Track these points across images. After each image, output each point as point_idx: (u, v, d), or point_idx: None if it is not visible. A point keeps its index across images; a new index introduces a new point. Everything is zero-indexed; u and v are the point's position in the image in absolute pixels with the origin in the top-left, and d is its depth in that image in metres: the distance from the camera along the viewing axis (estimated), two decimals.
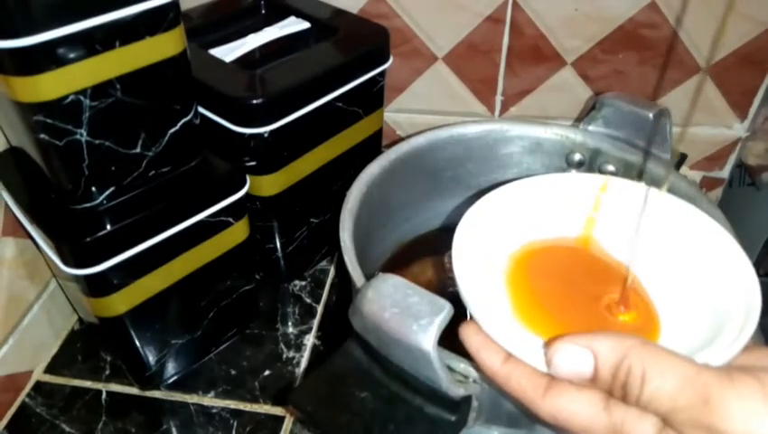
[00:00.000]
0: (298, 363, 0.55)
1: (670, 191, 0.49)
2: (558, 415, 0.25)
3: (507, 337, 0.28)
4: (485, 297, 0.31)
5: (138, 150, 0.42)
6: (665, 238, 0.35)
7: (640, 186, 0.35)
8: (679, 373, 0.23)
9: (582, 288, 0.34)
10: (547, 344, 0.26)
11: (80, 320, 0.59)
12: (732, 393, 0.22)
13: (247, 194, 0.48)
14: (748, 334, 0.26)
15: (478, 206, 0.35)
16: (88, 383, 0.54)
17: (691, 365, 0.23)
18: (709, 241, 0.33)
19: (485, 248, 0.33)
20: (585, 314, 0.32)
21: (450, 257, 0.32)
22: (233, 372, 0.54)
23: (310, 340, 0.57)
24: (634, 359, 0.23)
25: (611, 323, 0.32)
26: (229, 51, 0.54)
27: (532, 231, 0.36)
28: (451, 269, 0.31)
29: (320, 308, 0.60)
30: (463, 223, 0.33)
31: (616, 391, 0.24)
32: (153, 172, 0.44)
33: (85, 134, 0.39)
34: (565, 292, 0.33)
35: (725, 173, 0.72)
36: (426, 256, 0.57)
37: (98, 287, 0.43)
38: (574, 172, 0.37)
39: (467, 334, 0.29)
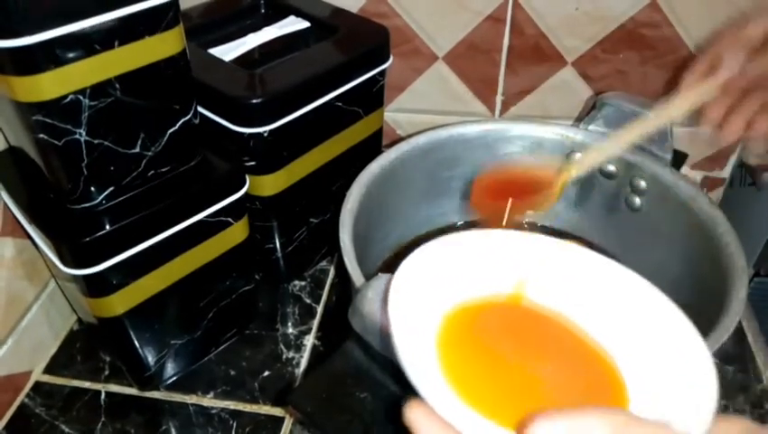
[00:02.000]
0: (298, 364, 0.55)
1: (671, 191, 0.49)
2: None
3: (466, 422, 0.23)
4: (428, 368, 0.27)
5: (137, 150, 0.42)
6: (606, 304, 0.32)
7: (575, 251, 0.33)
8: None
9: (516, 359, 0.30)
10: (519, 427, 0.22)
11: (79, 320, 0.59)
12: None
13: (246, 194, 0.48)
14: (713, 406, 0.24)
15: (405, 269, 0.30)
16: (87, 384, 0.54)
17: None
18: (656, 315, 0.30)
19: (422, 314, 0.29)
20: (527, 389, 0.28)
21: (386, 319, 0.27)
22: (233, 372, 0.54)
23: (310, 340, 0.57)
24: None
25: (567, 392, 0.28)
26: (228, 51, 0.54)
27: (462, 292, 0.32)
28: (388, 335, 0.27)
29: (320, 309, 0.60)
30: (395, 288, 0.29)
31: None
32: (152, 172, 0.44)
33: (84, 133, 0.39)
34: (500, 367, 0.29)
35: (725, 173, 0.72)
36: None
37: (97, 287, 0.43)
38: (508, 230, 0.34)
39: (417, 418, 0.23)
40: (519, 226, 0.55)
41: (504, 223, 0.45)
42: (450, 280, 0.32)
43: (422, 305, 0.29)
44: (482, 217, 0.47)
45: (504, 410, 0.25)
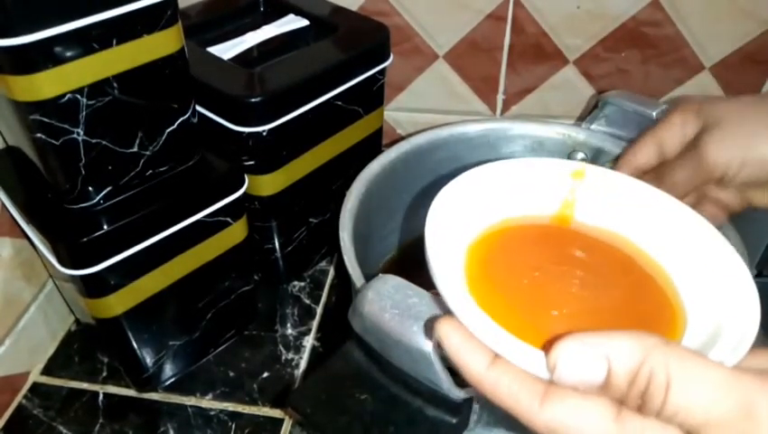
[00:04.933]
0: (297, 365, 0.55)
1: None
2: (558, 427, 0.21)
3: (495, 335, 0.23)
4: (463, 288, 0.27)
5: (136, 149, 0.42)
6: (652, 230, 0.32)
7: (619, 176, 0.33)
8: (712, 380, 0.19)
9: (553, 272, 0.30)
10: (547, 346, 0.22)
11: (77, 321, 0.59)
12: None
13: (245, 194, 0.48)
14: (753, 334, 0.24)
15: (447, 190, 0.31)
16: (85, 385, 0.53)
17: (727, 370, 0.19)
18: (700, 240, 0.30)
19: (458, 233, 0.29)
20: (561, 298, 0.28)
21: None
22: (231, 373, 0.54)
23: (309, 341, 0.57)
24: (656, 363, 0.19)
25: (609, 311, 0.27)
26: (227, 49, 0.53)
27: (502, 211, 0.32)
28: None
29: (319, 309, 0.59)
30: (434, 208, 0.29)
31: (632, 400, 0.20)
32: (150, 171, 0.44)
33: (82, 133, 0.38)
34: (537, 280, 0.29)
35: None
36: None
37: (94, 287, 0.43)
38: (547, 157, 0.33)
39: (445, 331, 0.24)
40: None
41: None
42: (491, 201, 0.31)
43: (460, 224, 0.29)
44: None
45: (535, 329, 0.25)
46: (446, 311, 0.25)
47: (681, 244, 0.30)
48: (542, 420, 0.21)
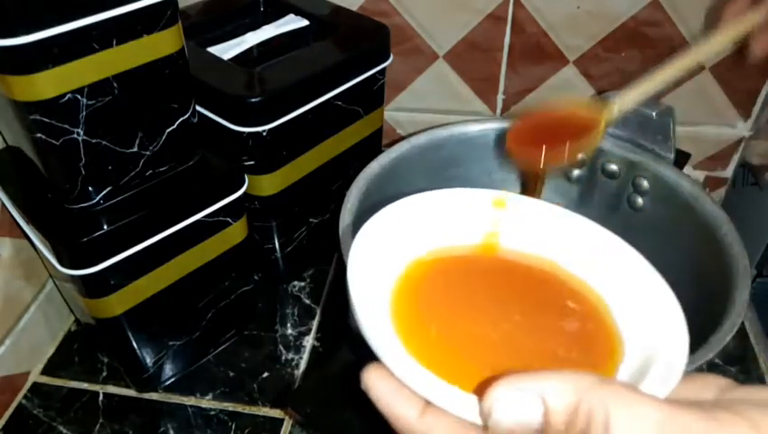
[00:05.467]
0: (297, 365, 0.55)
1: (673, 191, 0.49)
2: None
3: (424, 382, 0.22)
4: (390, 331, 0.25)
5: (136, 149, 0.42)
6: (577, 253, 0.30)
7: (541, 204, 0.32)
8: (650, 417, 0.18)
9: (484, 307, 0.28)
10: (479, 390, 0.21)
11: (77, 321, 0.59)
12: None
13: (245, 194, 0.48)
14: (683, 364, 0.23)
15: (367, 227, 0.29)
16: (85, 385, 0.53)
17: (665, 406, 0.19)
18: (628, 267, 0.29)
19: (383, 270, 0.28)
20: (499, 338, 0.26)
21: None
22: (231, 373, 0.54)
23: (309, 341, 0.57)
24: (594, 402, 0.19)
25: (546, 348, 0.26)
26: (227, 50, 0.53)
27: (426, 244, 0.31)
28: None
29: (319, 309, 0.59)
30: (355, 247, 0.27)
31: None
32: (150, 171, 0.43)
33: (82, 133, 0.38)
34: (465, 317, 0.27)
35: (728, 172, 0.72)
36: None
37: (94, 287, 0.43)
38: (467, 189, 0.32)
39: (372, 381, 0.22)
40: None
41: (542, 166, 0.43)
42: (415, 234, 0.30)
43: (384, 261, 0.28)
44: (519, 163, 0.46)
45: (468, 371, 0.24)
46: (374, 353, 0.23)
47: (610, 270, 0.29)
48: None
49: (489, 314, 0.27)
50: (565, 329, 0.27)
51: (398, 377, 0.22)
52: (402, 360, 0.23)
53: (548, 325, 0.27)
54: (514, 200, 0.31)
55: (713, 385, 0.22)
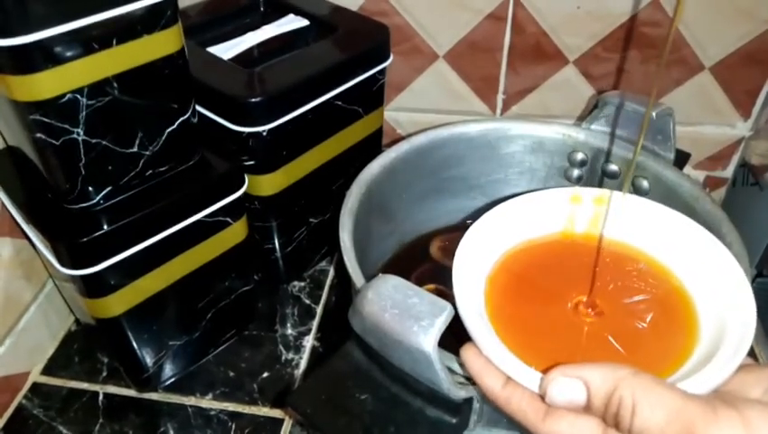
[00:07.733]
0: (297, 365, 0.55)
1: (674, 192, 0.49)
2: None
3: (505, 362, 0.28)
4: (481, 318, 0.31)
5: (135, 149, 0.42)
6: (655, 244, 0.35)
7: (616, 194, 0.35)
8: (667, 405, 0.23)
9: (560, 297, 0.33)
10: (543, 374, 0.27)
11: (77, 321, 0.59)
12: (714, 428, 0.22)
13: (245, 194, 0.48)
14: (741, 357, 0.26)
15: (476, 228, 0.35)
16: (85, 385, 0.53)
17: (679, 397, 0.23)
18: (702, 252, 0.32)
19: (480, 269, 0.34)
20: (564, 330, 0.32)
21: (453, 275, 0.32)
22: (231, 373, 0.54)
23: (309, 341, 0.57)
24: (625, 390, 0.24)
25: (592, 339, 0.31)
26: (227, 49, 0.53)
27: (518, 238, 0.36)
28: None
29: (319, 309, 0.59)
30: (463, 245, 0.33)
31: (609, 419, 0.25)
32: (150, 171, 0.43)
33: (82, 133, 0.38)
34: (542, 308, 0.33)
35: (728, 172, 0.72)
36: (427, 256, 0.56)
37: (94, 287, 0.43)
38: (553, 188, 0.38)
39: (468, 357, 0.29)
40: None
41: None
42: (505, 233, 0.36)
43: (481, 258, 0.34)
44: None
45: (546, 353, 0.29)
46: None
47: (691, 256, 0.33)
48: (544, 432, 0.27)
49: (570, 296, 0.33)
50: (644, 312, 0.32)
51: (486, 356, 0.28)
52: (490, 343, 0.29)
53: (626, 305, 0.33)
54: (589, 194, 0.36)
55: (765, 381, 0.26)
